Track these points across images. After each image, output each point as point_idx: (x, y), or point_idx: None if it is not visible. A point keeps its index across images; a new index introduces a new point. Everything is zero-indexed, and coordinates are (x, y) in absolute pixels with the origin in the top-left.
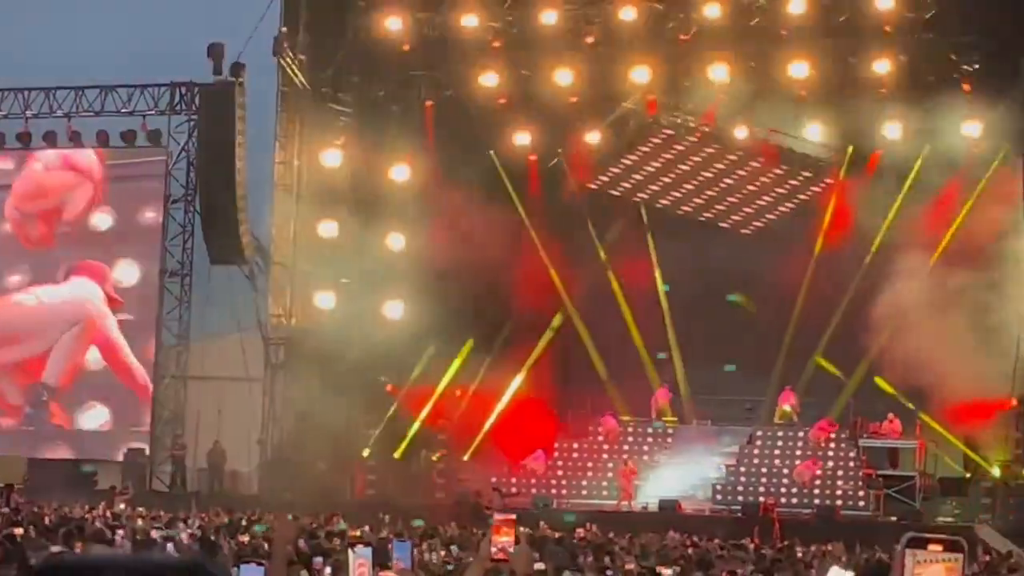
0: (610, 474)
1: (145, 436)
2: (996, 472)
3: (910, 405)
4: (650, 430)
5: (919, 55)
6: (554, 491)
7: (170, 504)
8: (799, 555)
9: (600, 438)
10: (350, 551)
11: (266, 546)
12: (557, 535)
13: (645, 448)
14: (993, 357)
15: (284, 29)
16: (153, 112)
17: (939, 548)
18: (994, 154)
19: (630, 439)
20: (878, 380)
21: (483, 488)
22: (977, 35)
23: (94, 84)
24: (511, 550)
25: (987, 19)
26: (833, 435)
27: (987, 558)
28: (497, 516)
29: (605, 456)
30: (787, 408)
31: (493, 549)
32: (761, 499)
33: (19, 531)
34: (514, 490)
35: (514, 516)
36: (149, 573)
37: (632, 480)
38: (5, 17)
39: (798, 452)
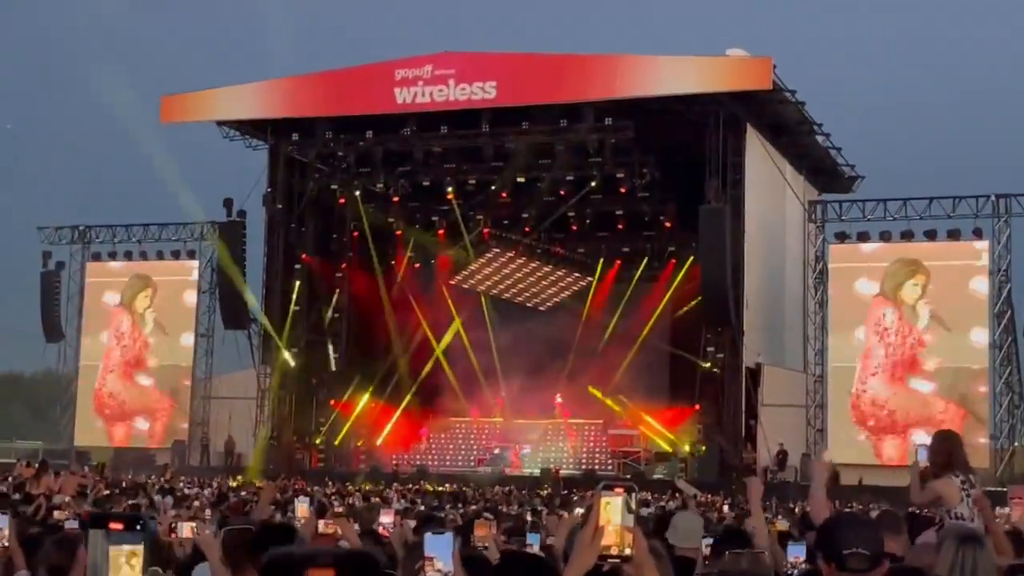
0: (473, 452)
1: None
2: (686, 448)
3: (616, 408)
4: (487, 424)
5: (637, 207)
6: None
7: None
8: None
9: (459, 431)
10: (296, 500)
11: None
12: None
13: (484, 435)
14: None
15: (269, 189)
16: (193, 239)
17: (620, 490)
18: (682, 267)
19: (475, 429)
20: (595, 392)
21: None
22: (674, 193)
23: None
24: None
25: (678, 184)
26: (571, 418)
27: (681, 498)
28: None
29: (461, 441)
30: (557, 414)
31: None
32: (551, 466)
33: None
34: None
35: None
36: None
37: (519, 454)
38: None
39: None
